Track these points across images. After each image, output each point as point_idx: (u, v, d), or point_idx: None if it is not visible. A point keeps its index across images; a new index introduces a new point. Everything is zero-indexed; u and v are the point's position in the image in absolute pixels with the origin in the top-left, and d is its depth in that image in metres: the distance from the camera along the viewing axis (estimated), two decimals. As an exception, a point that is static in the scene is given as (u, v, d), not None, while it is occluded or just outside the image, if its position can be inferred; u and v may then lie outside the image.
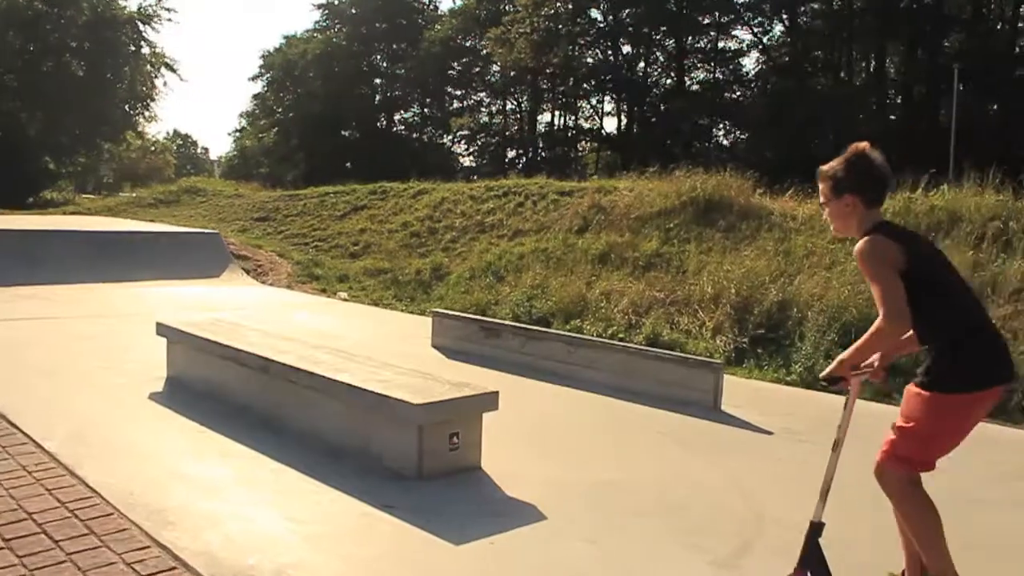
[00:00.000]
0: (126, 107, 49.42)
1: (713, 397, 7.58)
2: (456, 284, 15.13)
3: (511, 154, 52.31)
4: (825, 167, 3.41)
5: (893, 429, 3.25)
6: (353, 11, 58.42)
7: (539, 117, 52.33)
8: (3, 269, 13.27)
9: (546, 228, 16.60)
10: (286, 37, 63.98)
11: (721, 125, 45.24)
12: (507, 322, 10.15)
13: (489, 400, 5.44)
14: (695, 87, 45.95)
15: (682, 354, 8.78)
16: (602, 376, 8.24)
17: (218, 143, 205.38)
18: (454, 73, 55.46)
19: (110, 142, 51.26)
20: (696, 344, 10.93)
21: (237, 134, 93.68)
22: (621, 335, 11.54)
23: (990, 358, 3.19)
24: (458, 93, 58.58)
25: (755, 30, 43.77)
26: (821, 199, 3.46)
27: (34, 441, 5.46)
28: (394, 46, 58.94)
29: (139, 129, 54.19)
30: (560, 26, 41.83)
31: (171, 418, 6.27)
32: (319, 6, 59.92)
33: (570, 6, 41.46)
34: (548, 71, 44.21)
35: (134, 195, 25.69)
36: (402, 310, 13.94)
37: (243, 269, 16.12)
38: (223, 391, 6.76)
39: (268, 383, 6.23)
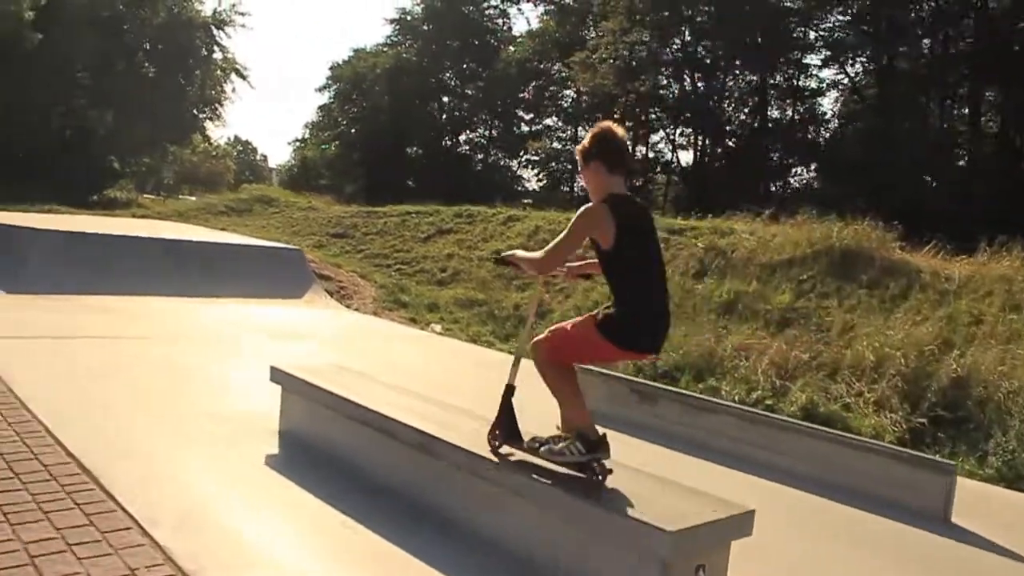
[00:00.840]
0: (194, 110, 48.92)
1: (943, 506, 6.13)
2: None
3: (579, 183, 50.90)
4: (579, 146, 4.12)
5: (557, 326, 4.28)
6: (426, 27, 57.68)
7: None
8: (72, 276, 12.14)
9: (657, 268, 15.21)
10: (355, 50, 63.47)
11: (802, 165, 43.44)
12: (666, 386, 8.73)
13: (745, 523, 4.05)
14: (775, 124, 44.31)
15: (898, 447, 7.26)
16: (787, 462, 6.83)
17: (277, 151, 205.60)
18: (526, 96, 54.27)
19: (176, 144, 50.79)
20: (860, 421, 9.45)
21: (298, 143, 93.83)
22: (768, 401, 10.10)
23: (644, 331, 4.04)
24: (527, 117, 57.47)
25: (841, 68, 42.09)
26: (579, 170, 4.21)
27: (139, 525, 4.18)
28: (464, 65, 58.06)
29: (206, 133, 53.70)
30: (645, 54, 40.45)
31: (301, 500, 4.93)
32: (392, 21, 59.41)
33: (655, 33, 39.97)
34: (625, 100, 42.84)
35: (205, 200, 24.68)
36: (508, 351, 12.59)
37: (326, 291, 14.90)
38: (360, 463, 5.42)
39: (429, 467, 4.89)
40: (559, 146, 51.83)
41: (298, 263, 15.20)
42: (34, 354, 7.94)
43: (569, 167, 51.52)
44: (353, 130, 60.76)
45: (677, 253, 15.58)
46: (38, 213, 19.39)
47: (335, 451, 5.66)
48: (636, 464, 4.71)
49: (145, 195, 55.50)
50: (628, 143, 4.25)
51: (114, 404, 6.53)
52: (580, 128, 51.40)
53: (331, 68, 62.60)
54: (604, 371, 8.60)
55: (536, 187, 55.94)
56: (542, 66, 52.48)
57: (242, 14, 51.24)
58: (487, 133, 58.65)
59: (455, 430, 4.98)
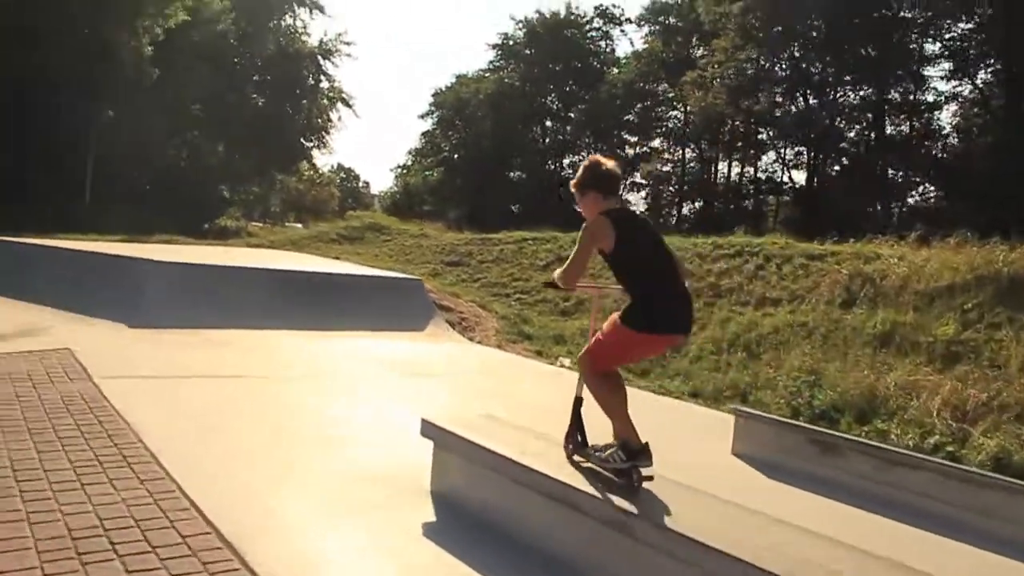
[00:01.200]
0: (301, 139, 49.56)
1: None
2: (700, 359, 12.85)
3: (687, 207, 49.80)
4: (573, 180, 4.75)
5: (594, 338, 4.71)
6: (528, 52, 57.45)
7: (719, 167, 49.70)
8: (192, 308, 11.79)
9: (799, 297, 14.15)
10: (457, 76, 63.71)
11: (924, 182, 41.33)
12: (850, 436, 7.74)
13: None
14: (892, 140, 42.28)
15: None
16: (1011, 530, 5.81)
17: (379, 178, 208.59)
18: (631, 118, 53.39)
19: (284, 173, 51.56)
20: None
21: (400, 170, 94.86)
22: (949, 448, 9.00)
23: (658, 313, 4.41)
24: (632, 139, 56.58)
25: (966, 80, 39.91)
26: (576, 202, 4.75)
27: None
28: (567, 88, 57.58)
29: (313, 161, 54.41)
30: (756, 71, 39.21)
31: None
32: (494, 46, 59.37)
33: (766, 51, 38.70)
34: (737, 119, 41.62)
35: (317, 229, 24.54)
36: (643, 387, 11.73)
37: (447, 322, 14.29)
38: (533, 535, 4.67)
39: (624, 546, 4.11)
40: (667, 168, 50.80)
41: (419, 294, 14.65)
42: (161, 396, 7.47)
43: (674, 189, 50.44)
44: (456, 156, 60.89)
45: (819, 280, 14.51)
46: (157, 244, 19.40)
47: (500, 519, 4.92)
48: (831, 531, 4.28)
49: (253, 223, 56.56)
50: (618, 170, 4.72)
51: (249, 457, 5.94)
52: (687, 150, 50.31)
53: (434, 95, 63.00)
54: (776, 419, 7.70)
55: (641, 211, 54.90)
56: (648, 87, 51.54)
57: (347, 43, 51.87)
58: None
59: (650, 503, 4.22)
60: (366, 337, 12.27)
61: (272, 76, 46.30)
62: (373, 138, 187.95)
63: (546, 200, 51.70)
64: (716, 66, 39.01)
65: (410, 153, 67.21)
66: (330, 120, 48.90)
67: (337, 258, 20.26)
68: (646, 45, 53.07)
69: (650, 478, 4.54)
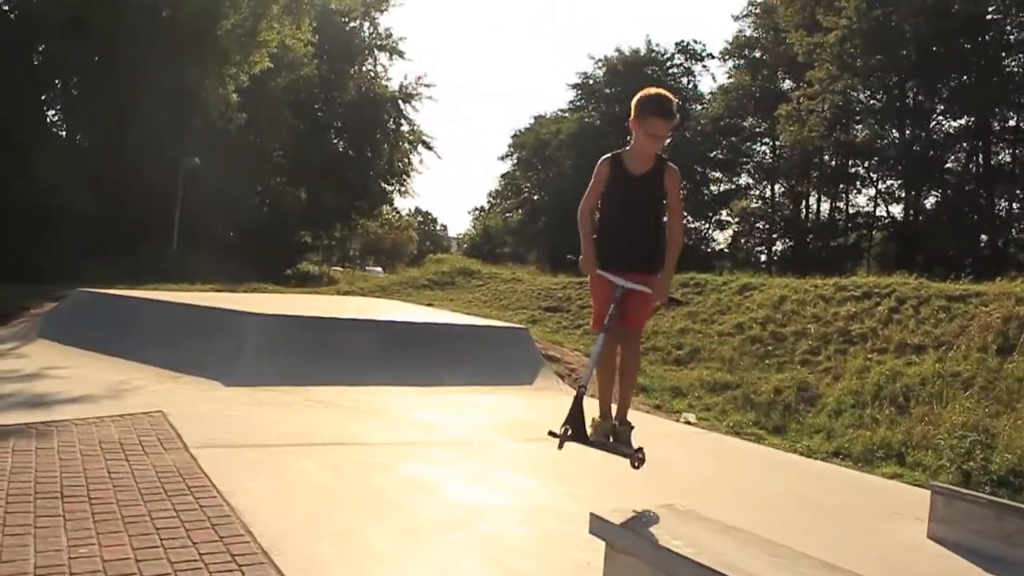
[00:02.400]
0: (382, 183, 49.40)
1: None
2: (840, 413, 11.55)
3: (779, 244, 48.14)
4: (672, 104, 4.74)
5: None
6: (608, 90, 56.72)
7: (809, 203, 48.01)
8: (290, 364, 10.97)
9: (945, 344, 12.77)
10: (536, 117, 63.30)
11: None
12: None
13: None
14: (999, 170, 40.16)
15: None
16: None
17: (456, 221, 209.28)
18: (718, 154, 52.11)
19: (365, 217, 51.45)
20: None
21: (478, 212, 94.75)
22: None
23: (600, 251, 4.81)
24: (715, 175, 55.23)
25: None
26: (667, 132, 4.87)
27: None
28: (648, 126, 56.64)
29: (394, 204, 54.30)
30: (855, 103, 37.68)
31: None
32: (574, 86, 58.76)
33: (865, 80, 37.14)
34: (832, 152, 40.04)
35: (407, 274, 23.82)
36: (780, 445, 10.51)
37: (556, 374, 13.24)
38: None
39: None
40: (757, 205, 49.33)
41: (525, 344, 13.63)
42: (265, 470, 6.57)
43: (763, 226, 48.89)
44: (536, 197, 60.27)
45: (965, 324, 13.12)
46: (247, 293, 18.84)
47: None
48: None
49: (333, 268, 56.60)
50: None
51: (376, 558, 4.97)
52: (777, 185, 48.80)
53: (513, 136, 62.66)
54: (993, 499, 6.45)
55: (725, 248, 53.51)
56: (735, 122, 50.27)
57: (427, 86, 51.66)
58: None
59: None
60: (475, 393, 11.30)
61: (353, 121, 46.33)
62: (450, 181, 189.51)
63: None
64: (811, 99, 37.50)
65: (490, 195, 66.83)
66: (411, 164, 48.66)
67: (430, 305, 19.43)
68: (731, 79, 51.85)
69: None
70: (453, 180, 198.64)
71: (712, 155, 52.57)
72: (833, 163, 43.83)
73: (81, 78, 28.18)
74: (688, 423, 11.56)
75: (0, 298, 15.14)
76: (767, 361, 13.84)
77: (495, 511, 6.08)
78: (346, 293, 21.59)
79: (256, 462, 6.83)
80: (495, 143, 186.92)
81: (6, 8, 27.82)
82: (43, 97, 29.26)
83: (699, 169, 54.46)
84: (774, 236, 48.83)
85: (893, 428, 10.64)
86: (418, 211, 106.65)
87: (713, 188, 55.48)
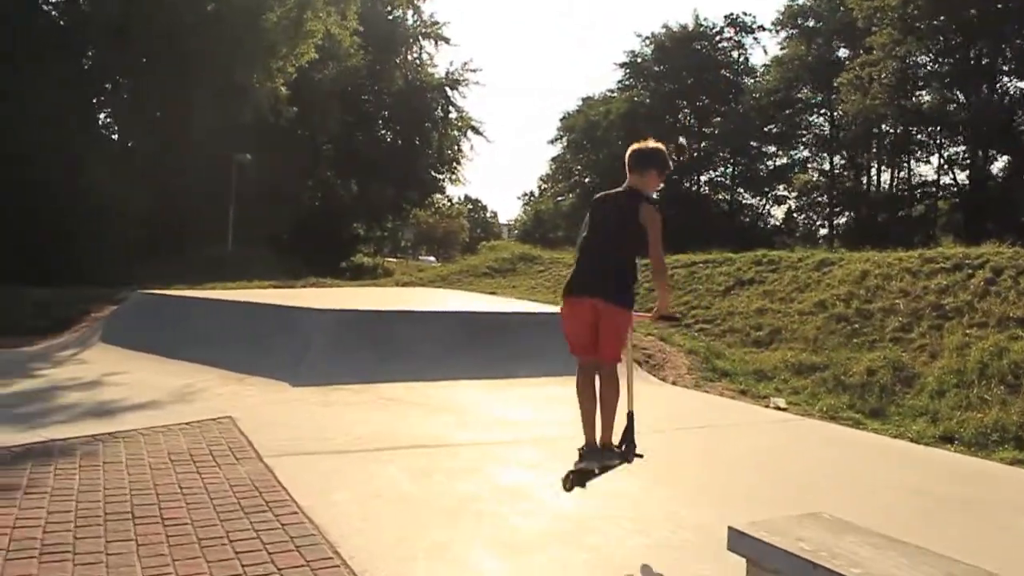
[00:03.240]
0: (432, 171, 48.92)
1: None
2: (943, 394, 10.77)
3: (843, 218, 46.77)
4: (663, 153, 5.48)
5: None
6: (658, 68, 55.63)
7: (871, 174, 46.56)
8: (360, 360, 10.53)
9: (1052, 315, 11.92)
10: (584, 99, 62.37)
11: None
12: None
13: None
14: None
15: None
16: None
17: (505, 207, 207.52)
18: (774, 128, 50.81)
19: (416, 207, 51.08)
20: None
21: (527, 198, 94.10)
22: None
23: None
24: (770, 150, 53.93)
25: None
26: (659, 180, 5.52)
27: None
28: (700, 102, 55.44)
29: (446, 192, 53.81)
30: (919, 67, 36.26)
31: None
32: (622, 65, 57.73)
33: (930, 43, 35.64)
34: (895, 120, 38.64)
35: (467, 262, 23.26)
36: (881, 430, 9.79)
37: (633, 360, 12.61)
38: None
39: None
40: (815, 178, 48.00)
41: (598, 330, 13.06)
42: (346, 480, 6.10)
43: (824, 199, 47.61)
44: (587, 179, 59.47)
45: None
46: (307, 288, 18.49)
47: None
48: None
49: (386, 259, 56.36)
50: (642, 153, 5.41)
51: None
52: (836, 157, 47.46)
53: (562, 119, 61.84)
54: None
55: (780, 224, 52.24)
56: (792, 94, 48.89)
57: (473, 71, 51.04)
58: (729, 171, 55.50)
59: None
60: (551, 384, 10.72)
61: (400, 110, 45.88)
62: (497, 168, 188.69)
63: (686, 220, 49.56)
64: (873, 65, 36.13)
65: (541, 180, 66.09)
66: (460, 150, 48.09)
67: (493, 293, 18.91)
68: (784, 51, 50.41)
69: None
70: (502, 167, 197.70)
71: (768, 129, 51.23)
72: (896, 131, 42.38)
73: (130, 79, 28.07)
74: (779, 408, 10.89)
75: (60, 302, 14.91)
76: (855, 340, 13.05)
77: (601, 521, 5.51)
78: (405, 284, 21.13)
79: (335, 471, 6.35)
80: (543, 127, 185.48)
81: (55, 15, 27.78)
82: (94, 101, 29.21)
83: (754, 144, 53.28)
84: (837, 209, 47.44)
85: (1007, 409, 9.84)
86: (468, 198, 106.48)
87: (768, 163, 54.23)
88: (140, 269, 21.88)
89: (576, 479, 5.19)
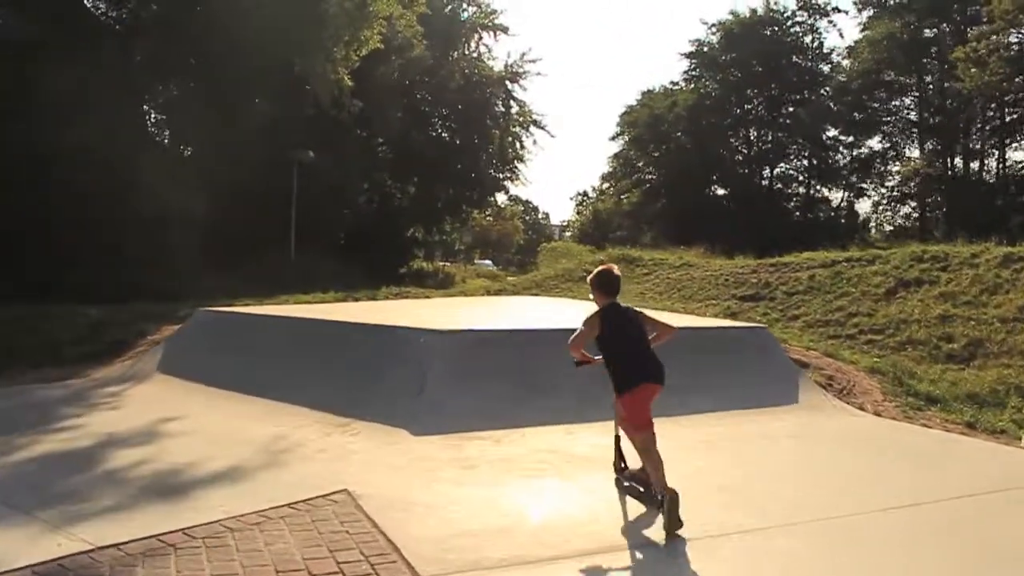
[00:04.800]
0: (492, 171, 46.41)
1: None
2: None
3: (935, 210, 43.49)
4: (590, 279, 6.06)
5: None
6: (725, 57, 52.74)
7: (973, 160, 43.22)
8: (490, 395, 8.14)
9: None
10: (644, 93, 59.59)
11: None
12: None
13: None
14: None
15: None
16: None
17: (556, 208, 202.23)
18: (856, 115, 47.65)
19: (477, 208, 48.68)
20: None
21: (581, 197, 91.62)
22: None
23: (631, 375, 5.66)
24: (847, 139, 50.80)
25: None
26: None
27: None
28: (771, 91, 52.42)
29: (509, 192, 51.25)
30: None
31: None
32: (687, 55, 54.86)
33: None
34: (999, 100, 35.42)
35: (562, 267, 20.74)
36: None
37: (817, 384, 10.11)
38: None
39: None
40: (911, 165, 44.71)
41: (770, 347, 10.52)
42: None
43: (919, 189, 44.30)
44: (650, 175, 56.87)
45: None
46: (387, 300, 16.23)
47: None
48: None
49: (442, 263, 54.14)
50: (613, 278, 5.95)
51: None
52: (928, 144, 44.26)
53: (622, 114, 59.06)
54: None
55: (869, 216, 48.98)
56: (874, 78, 45.70)
57: (533, 61, 48.39)
58: (804, 163, 52.51)
59: None
60: (743, 419, 8.37)
61: (459, 107, 43.44)
62: (547, 167, 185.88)
63: (756, 216, 46.76)
64: (991, 37, 32.88)
65: (602, 178, 63.27)
66: (523, 147, 45.50)
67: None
68: (866, 32, 47.14)
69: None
70: (552, 166, 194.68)
71: (850, 117, 48.08)
72: (1012, 113, 39.05)
73: (182, 75, 25.89)
74: (1037, 449, 8.29)
75: (115, 322, 12.68)
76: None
77: None
78: (497, 292, 18.73)
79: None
80: (595, 124, 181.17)
81: (111, 16, 25.71)
82: (144, 106, 27.20)
83: (831, 134, 50.32)
84: (938, 199, 44.11)
85: None
86: (518, 199, 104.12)
87: (845, 153, 51.18)
88: (196, 281, 19.74)
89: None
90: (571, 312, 12.11)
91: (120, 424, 7.62)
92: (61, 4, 21.90)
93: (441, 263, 54.66)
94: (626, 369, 5.69)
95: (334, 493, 5.69)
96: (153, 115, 28.66)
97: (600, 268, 6.09)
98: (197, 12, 22.24)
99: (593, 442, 7.28)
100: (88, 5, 25.05)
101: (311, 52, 22.19)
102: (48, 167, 19.48)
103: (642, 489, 5.83)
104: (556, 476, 6.31)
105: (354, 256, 31.10)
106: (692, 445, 7.42)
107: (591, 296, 6.06)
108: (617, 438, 6.32)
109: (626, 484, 6.08)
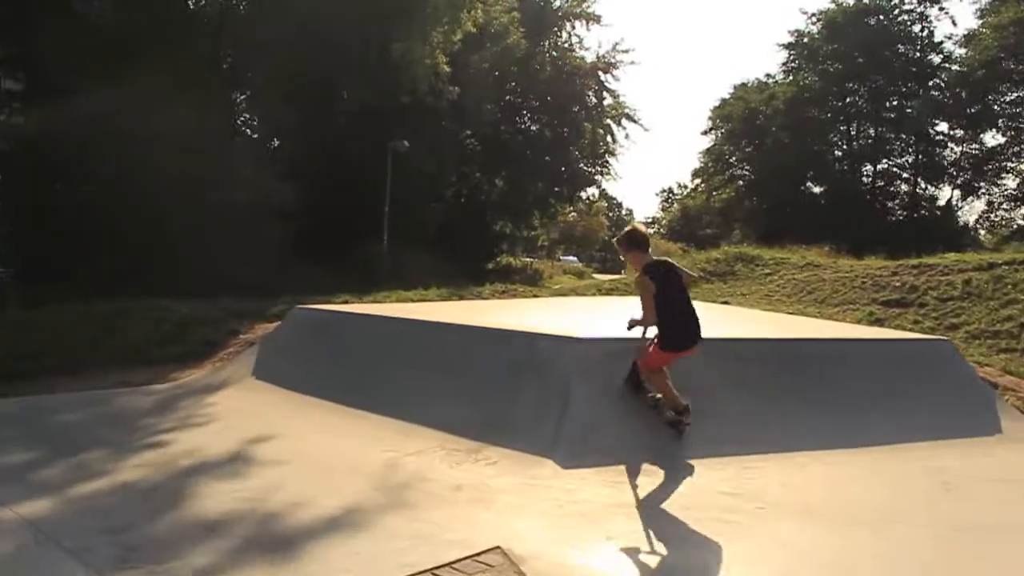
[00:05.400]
0: (582, 164, 44.97)
1: None
2: None
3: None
4: (616, 240, 6.71)
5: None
6: (827, 47, 50.34)
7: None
8: (633, 415, 6.79)
9: None
10: (738, 86, 57.44)
11: None
12: None
13: None
14: None
15: None
16: None
17: (640, 205, 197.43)
18: (971, 109, 44.91)
19: (567, 203, 47.31)
20: None
21: (666, 194, 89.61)
22: None
23: (676, 336, 6.38)
24: (957, 134, 48.02)
25: None
26: (621, 255, 6.92)
27: None
28: (876, 83, 49.83)
29: (602, 187, 49.76)
30: None
31: None
32: (786, 46, 52.57)
33: None
34: None
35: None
36: None
37: (1015, 409, 8.52)
38: None
39: None
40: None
41: (956, 366, 8.93)
42: None
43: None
44: (743, 171, 54.83)
45: None
46: (493, 298, 14.99)
47: None
48: None
49: (526, 258, 52.88)
50: (646, 233, 6.67)
51: None
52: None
53: (714, 108, 57.04)
54: None
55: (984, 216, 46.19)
56: (995, 69, 42.90)
57: (625, 51, 46.48)
58: (908, 160, 49.88)
59: None
60: (950, 451, 6.85)
61: (549, 98, 42.11)
62: (628, 162, 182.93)
63: (855, 214, 44.46)
64: None
65: (693, 174, 61.23)
66: (615, 140, 43.97)
67: (726, 302, 15.03)
68: (985, 18, 44.32)
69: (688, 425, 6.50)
70: (634, 162, 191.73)
71: (965, 110, 45.32)
72: None
73: (270, 67, 25.00)
74: None
75: (204, 320, 11.67)
76: None
77: None
78: (609, 292, 17.33)
79: None
80: (680, 118, 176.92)
81: (203, 6, 24.99)
82: (233, 97, 26.49)
83: (942, 129, 47.69)
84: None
85: None
86: (603, 195, 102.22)
87: (954, 148, 48.47)
88: (286, 275, 18.85)
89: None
90: (715, 315, 10.67)
91: (212, 446, 6.47)
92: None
93: (527, 258, 53.42)
94: (671, 330, 6.37)
95: (485, 553, 4.42)
96: (243, 105, 27.97)
97: (628, 228, 6.68)
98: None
99: (783, 480, 5.91)
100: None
101: (410, 35, 21.02)
102: (133, 157, 18.77)
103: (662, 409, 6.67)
104: (751, 531, 4.93)
105: (442, 250, 30.14)
106: (924, 488, 5.97)
107: (623, 257, 6.83)
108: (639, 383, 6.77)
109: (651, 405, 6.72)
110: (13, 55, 20.54)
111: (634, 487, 5.71)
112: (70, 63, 18.04)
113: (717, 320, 9.96)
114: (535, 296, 16.13)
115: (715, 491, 5.70)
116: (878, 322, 13.19)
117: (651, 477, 5.96)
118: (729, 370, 7.43)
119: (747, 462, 6.36)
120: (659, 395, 6.61)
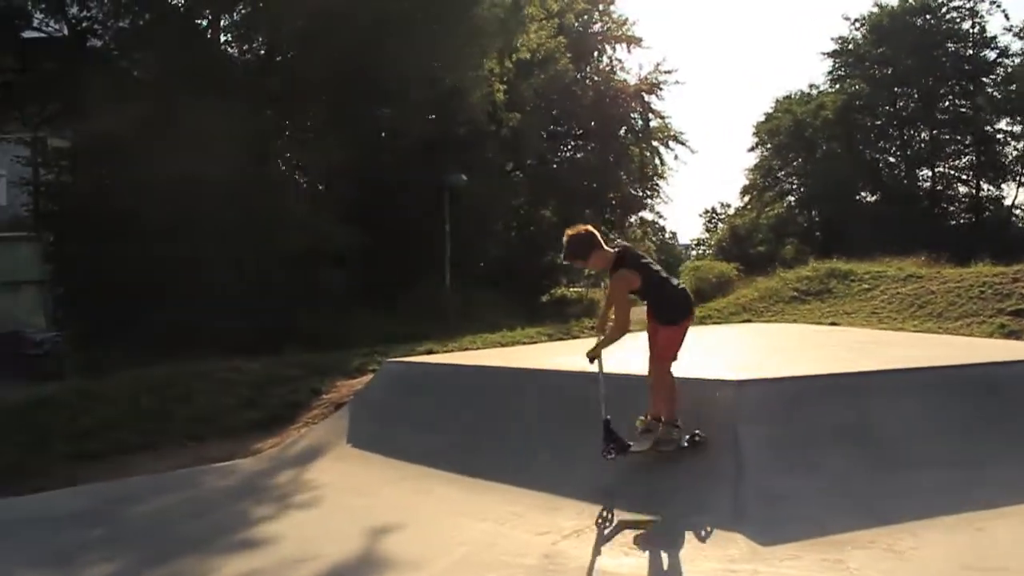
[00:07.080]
0: (631, 189, 43.82)
1: None
2: None
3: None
4: (567, 254, 6.12)
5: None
6: (875, 52, 48.83)
7: None
8: (822, 470, 5.64)
9: None
10: (780, 99, 56.05)
11: None
12: None
13: None
14: None
15: None
16: None
17: (683, 228, 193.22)
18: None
19: (617, 229, 46.17)
20: None
21: (709, 215, 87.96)
22: None
23: (678, 310, 6.00)
24: (1016, 130, 46.23)
25: None
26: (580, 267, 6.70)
27: None
28: (922, 86, 48.19)
29: (655, 210, 48.72)
30: None
31: None
32: (831, 53, 51.06)
33: None
34: None
35: (764, 285, 17.94)
36: None
37: None
38: None
39: None
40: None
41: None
42: None
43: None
44: (795, 184, 53.37)
45: None
46: (583, 337, 13.90)
47: None
48: None
49: (574, 288, 51.65)
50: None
51: None
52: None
53: (758, 123, 55.66)
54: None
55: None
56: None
57: (668, 72, 45.35)
58: (967, 160, 48.17)
59: None
60: None
61: (593, 124, 41.07)
62: (672, 186, 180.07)
63: (916, 220, 42.81)
64: None
65: (741, 192, 59.73)
66: (663, 163, 42.82)
67: (835, 323, 13.78)
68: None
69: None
70: (675, 184, 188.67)
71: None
72: None
73: (314, 111, 24.16)
74: None
75: (280, 377, 10.65)
76: None
77: None
78: (702, 320, 16.15)
79: None
80: (720, 137, 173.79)
81: (244, 52, 24.29)
82: (281, 142, 25.69)
83: (999, 126, 45.96)
84: None
85: None
86: (643, 220, 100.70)
87: (1015, 146, 46.69)
88: (350, 322, 17.91)
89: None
90: (850, 338, 9.43)
91: (328, 540, 5.41)
92: (193, 43, 20.56)
93: (580, 288, 52.21)
94: (674, 298, 5.97)
95: None
96: (287, 153, 27.17)
97: (582, 228, 6.16)
98: (336, 38, 20.40)
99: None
100: (221, 43, 23.70)
101: (464, 64, 20.15)
102: (184, 210, 17.97)
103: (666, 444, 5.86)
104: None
105: (499, 285, 29.11)
106: None
107: (578, 264, 6.23)
108: (607, 422, 5.94)
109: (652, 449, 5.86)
110: (59, 112, 19.97)
111: (856, 570, 4.54)
112: (117, 117, 17.35)
113: (866, 344, 8.73)
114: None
115: (961, 564, 4.54)
116: (1012, 335, 11.90)
117: (869, 551, 4.78)
118: (929, 406, 6.22)
119: (981, 520, 5.16)
120: (648, 428, 5.97)
